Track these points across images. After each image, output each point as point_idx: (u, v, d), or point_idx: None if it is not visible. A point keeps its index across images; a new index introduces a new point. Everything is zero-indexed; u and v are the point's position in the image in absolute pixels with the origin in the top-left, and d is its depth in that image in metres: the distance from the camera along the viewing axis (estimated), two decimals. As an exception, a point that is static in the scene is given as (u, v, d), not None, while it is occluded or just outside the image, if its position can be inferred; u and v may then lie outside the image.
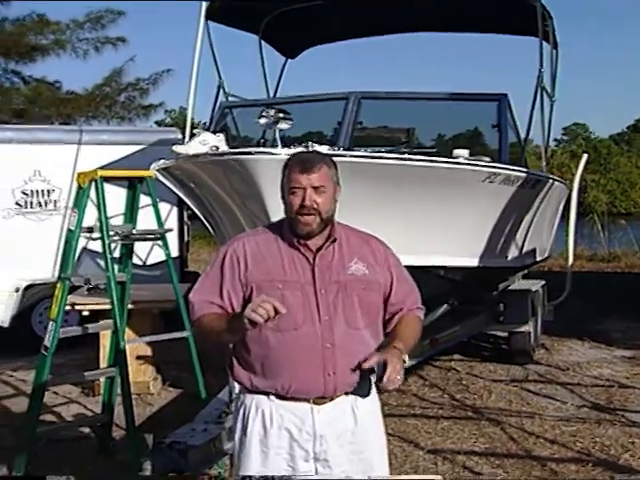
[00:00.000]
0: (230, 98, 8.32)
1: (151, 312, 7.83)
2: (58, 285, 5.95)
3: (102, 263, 8.66)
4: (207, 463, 4.94)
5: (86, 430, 6.55)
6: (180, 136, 10.89)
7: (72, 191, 10.08)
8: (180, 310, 6.05)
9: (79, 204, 5.85)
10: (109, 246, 5.74)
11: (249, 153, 5.56)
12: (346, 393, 3.03)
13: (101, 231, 5.72)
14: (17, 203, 10.19)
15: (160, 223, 6.13)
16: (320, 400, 2.99)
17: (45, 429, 6.22)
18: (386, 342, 3.07)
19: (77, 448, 6.25)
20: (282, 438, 3.00)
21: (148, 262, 9.91)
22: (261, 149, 5.60)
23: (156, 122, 23.14)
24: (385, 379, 2.82)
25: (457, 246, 6.71)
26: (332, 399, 3.01)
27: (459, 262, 6.80)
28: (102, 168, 9.35)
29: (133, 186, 6.08)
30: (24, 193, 10.23)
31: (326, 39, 9.97)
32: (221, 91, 8.27)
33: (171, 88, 20.11)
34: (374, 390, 3.15)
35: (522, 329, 8.70)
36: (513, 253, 7.71)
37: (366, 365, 2.89)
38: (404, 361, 2.97)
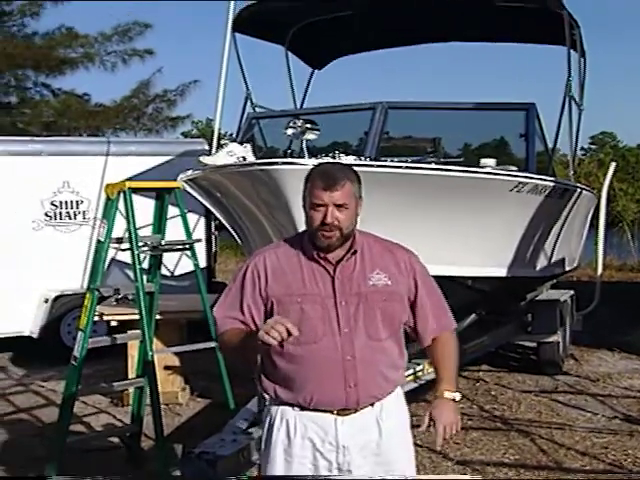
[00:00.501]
0: (257, 109, 8.36)
1: (179, 322, 7.87)
2: (87, 295, 6.00)
3: (130, 274, 8.80)
4: (235, 474, 4.93)
5: (115, 440, 6.60)
6: (207, 147, 10.98)
7: (100, 202, 10.22)
8: (208, 320, 6.07)
9: (108, 215, 5.90)
10: (138, 257, 5.79)
11: (276, 163, 5.57)
12: (371, 404, 3.04)
13: (130, 242, 5.77)
14: (46, 214, 10.30)
15: (188, 234, 6.18)
16: (344, 411, 3.00)
17: (75, 439, 6.27)
18: (435, 378, 3.20)
19: (106, 458, 6.27)
20: (305, 448, 3.03)
21: (176, 272, 9.98)
22: (288, 159, 5.60)
23: (183, 133, 23.32)
24: (439, 440, 3.03)
25: (485, 256, 6.68)
26: (356, 410, 3.02)
27: (487, 272, 6.77)
28: (130, 179, 9.51)
29: (161, 197, 6.14)
30: (53, 204, 10.34)
31: (353, 50, 9.99)
32: (248, 102, 8.29)
33: (198, 99, 20.28)
34: (402, 402, 3.19)
35: (551, 339, 8.62)
36: (541, 263, 7.66)
37: (420, 429, 3.08)
38: (454, 400, 3.12)
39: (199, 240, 6.66)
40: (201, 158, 6.19)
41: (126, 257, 6.75)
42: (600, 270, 9.65)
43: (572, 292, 9.72)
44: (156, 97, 19.68)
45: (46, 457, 6.01)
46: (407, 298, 3.09)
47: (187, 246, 6.19)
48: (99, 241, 5.94)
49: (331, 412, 3.01)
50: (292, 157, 5.90)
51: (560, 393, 8.12)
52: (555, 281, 9.56)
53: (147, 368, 5.84)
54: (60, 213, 10.38)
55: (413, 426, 3.27)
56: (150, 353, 5.77)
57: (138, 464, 6.16)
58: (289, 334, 2.66)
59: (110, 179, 9.98)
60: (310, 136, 5.72)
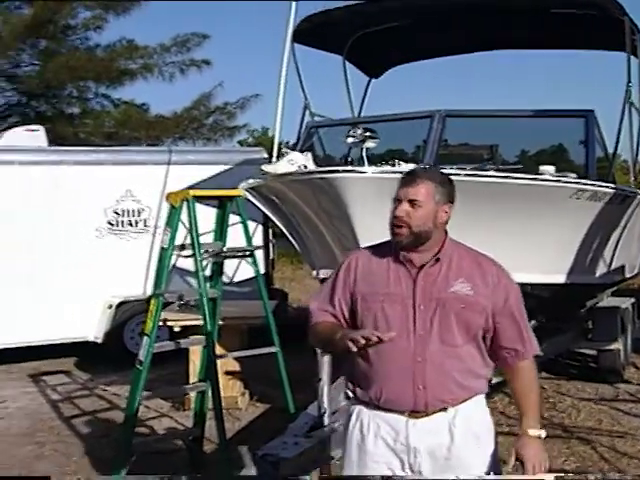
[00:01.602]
0: (316, 118, 8.45)
1: (240, 328, 7.97)
2: (152, 301, 6.13)
3: (191, 280, 8.98)
4: (299, 475, 5.01)
5: (178, 443, 6.72)
6: (265, 155, 11.14)
7: (162, 210, 10.45)
8: (270, 326, 6.17)
9: (171, 223, 6.02)
10: (201, 263, 5.90)
11: (336, 172, 5.65)
12: (444, 409, 3.05)
13: (193, 249, 5.89)
14: (109, 222, 10.56)
15: (249, 241, 6.29)
16: (415, 414, 3.03)
17: (139, 441, 6.41)
18: (519, 411, 3.17)
19: (169, 461, 6.39)
20: (378, 446, 3.08)
21: (235, 279, 10.12)
22: (348, 168, 5.69)
23: (239, 142, 23.55)
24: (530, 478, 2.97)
25: (544, 263, 6.67)
26: (427, 414, 3.04)
27: (546, 279, 6.75)
28: (190, 188, 9.68)
29: (223, 205, 6.25)
30: (116, 213, 10.59)
31: (409, 58, 10.03)
32: (307, 111, 8.40)
33: (256, 108, 20.55)
34: (482, 410, 3.18)
35: (611, 347, 8.55)
36: (601, 270, 7.60)
37: (507, 468, 3.04)
38: (540, 437, 3.07)
39: (260, 247, 6.75)
40: (263, 167, 6.31)
41: (186, 264, 6.92)
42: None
43: (633, 299, 9.62)
44: (216, 109, 19.97)
45: (112, 458, 6.19)
46: (489, 311, 3.07)
47: (248, 253, 6.30)
48: (163, 248, 6.06)
49: (402, 413, 3.04)
50: (351, 165, 5.99)
51: (621, 401, 8.03)
52: (615, 288, 9.47)
53: (210, 372, 5.95)
54: (122, 221, 10.63)
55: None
56: (213, 358, 5.87)
57: (200, 467, 6.25)
58: (380, 340, 2.78)
59: (171, 188, 10.20)
60: (370, 144, 5.81)
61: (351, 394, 3.22)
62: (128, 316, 10.54)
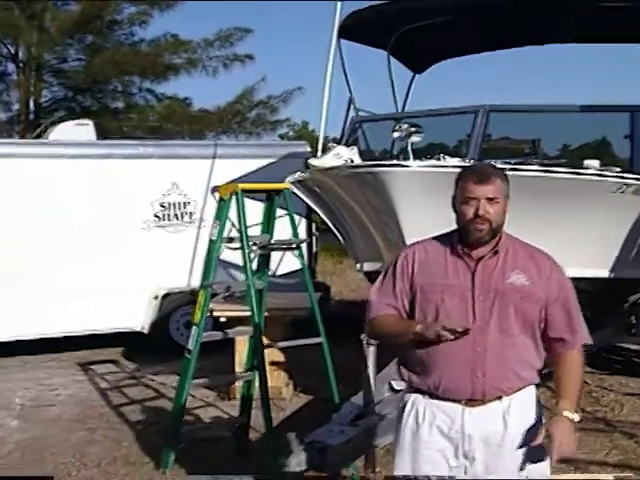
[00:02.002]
0: (360, 113, 8.52)
1: (283, 319, 8.08)
2: (201, 292, 6.28)
3: (233, 272, 9.12)
4: (343, 463, 5.10)
5: (224, 431, 6.85)
6: (309, 149, 11.25)
7: (207, 204, 10.63)
8: (315, 317, 6.27)
9: (220, 216, 6.16)
10: (249, 255, 6.02)
11: (382, 165, 5.74)
12: (499, 398, 3.14)
13: (241, 241, 6.00)
14: (156, 215, 10.73)
15: (296, 234, 6.38)
16: (471, 402, 3.12)
17: (187, 429, 6.56)
18: (557, 393, 3.20)
19: (216, 448, 6.52)
20: (432, 434, 3.17)
21: (279, 271, 10.24)
22: (394, 162, 5.77)
23: (279, 135, 23.70)
24: (554, 456, 3.00)
25: (588, 257, 6.68)
26: (484, 402, 3.13)
27: (590, 273, 6.76)
28: (235, 181, 9.84)
29: (271, 198, 6.36)
30: (162, 206, 10.76)
31: (453, 54, 10.03)
32: (351, 106, 8.46)
33: (298, 101, 20.65)
34: (533, 400, 3.25)
35: (656, 342, 8.53)
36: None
37: (535, 443, 3.04)
38: (573, 420, 3.10)
39: (307, 240, 6.85)
40: (310, 160, 6.43)
41: (229, 256, 7.04)
42: None
43: (677, 294, 9.53)
44: (259, 103, 20.11)
45: (161, 445, 6.36)
46: (543, 302, 3.17)
47: (295, 245, 6.40)
48: (211, 240, 6.20)
49: (459, 402, 3.13)
50: (397, 159, 6.07)
51: (665, 397, 8.01)
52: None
53: (257, 362, 6.07)
54: (168, 214, 10.80)
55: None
56: (261, 348, 5.99)
57: (246, 454, 6.39)
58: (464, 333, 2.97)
59: (216, 181, 10.37)
60: (415, 139, 5.90)
61: (406, 383, 3.30)
62: (173, 307, 10.74)
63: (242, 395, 6.68)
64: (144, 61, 19.08)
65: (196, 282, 10.34)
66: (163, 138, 17.55)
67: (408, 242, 5.58)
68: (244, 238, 5.99)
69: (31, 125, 19.86)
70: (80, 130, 11.00)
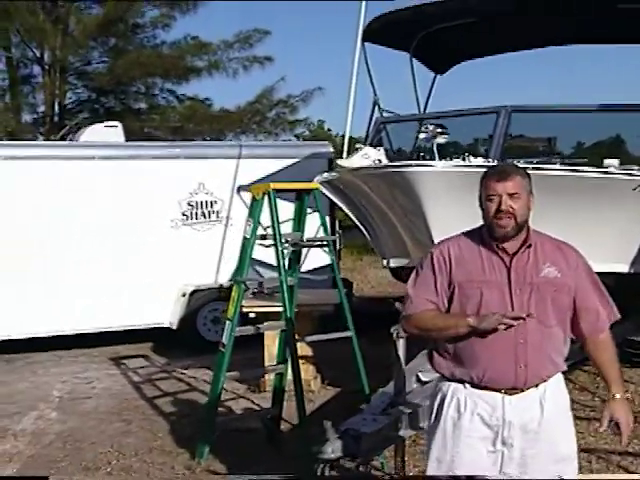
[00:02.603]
0: (384, 114, 8.67)
1: (312, 315, 8.24)
2: (234, 288, 6.44)
3: (259, 269, 9.31)
4: (375, 450, 5.27)
5: (256, 422, 6.99)
6: (331, 149, 11.44)
7: (233, 202, 10.83)
8: (345, 312, 6.44)
9: (254, 214, 6.32)
10: (282, 253, 6.18)
11: (410, 166, 5.90)
12: (536, 386, 3.28)
13: (274, 239, 6.17)
14: (183, 214, 10.94)
15: (326, 231, 6.56)
16: (511, 391, 3.26)
17: (221, 420, 6.74)
18: (604, 380, 3.48)
19: (249, 438, 6.69)
20: (474, 422, 3.31)
21: (305, 268, 10.41)
22: (421, 162, 5.93)
23: (295, 135, 23.84)
24: (624, 438, 3.37)
25: (609, 252, 6.80)
26: (522, 390, 3.27)
27: (610, 268, 6.88)
28: (259, 181, 10.06)
29: (301, 197, 6.53)
30: (189, 205, 10.97)
31: (475, 55, 10.17)
32: (376, 107, 8.62)
33: (317, 101, 20.82)
34: (562, 386, 3.43)
35: (674, 336, 8.62)
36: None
37: (601, 429, 3.42)
38: (628, 399, 3.39)
39: (337, 237, 7.00)
40: (338, 161, 6.59)
41: (255, 253, 7.17)
42: None
43: (694, 290, 9.62)
44: (279, 102, 20.28)
45: (195, 436, 6.54)
46: (574, 291, 3.32)
47: (326, 243, 6.56)
48: (245, 238, 6.36)
49: (499, 390, 3.26)
50: (422, 159, 6.23)
51: (683, 389, 8.11)
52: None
53: (290, 354, 6.23)
54: (196, 213, 11.00)
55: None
56: (294, 341, 6.16)
57: (277, 444, 6.56)
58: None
59: (241, 181, 10.61)
60: (440, 140, 6.05)
61: (444, 375, 3.41)
62: (201, 303, 10.93)
63: (274, 387, 6.83)
64: (167, 63, 19.30)
65: (223, 279, 10.68)
66: (187, 139, 17.89)
67: (435, 239, 5.76)
68: (277, 236, 6.14)
69: (56, 127, 20.14)
70: (109, 132, 11.23)
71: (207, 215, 11.04)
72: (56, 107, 20.55)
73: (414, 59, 9.33)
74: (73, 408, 8.09)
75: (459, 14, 8.52)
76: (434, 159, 6.02)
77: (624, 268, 7.10)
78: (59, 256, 10.14)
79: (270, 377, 8.16)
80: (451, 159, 6.11)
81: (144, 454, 6.54)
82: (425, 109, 9.56)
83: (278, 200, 6.44)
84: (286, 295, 6.20)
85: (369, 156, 6.38)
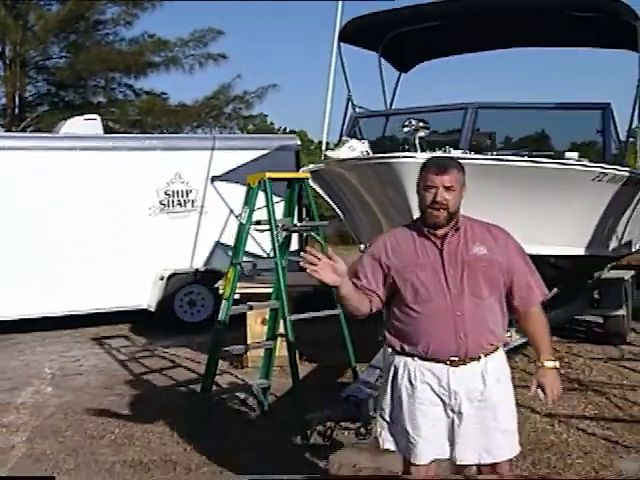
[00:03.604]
0: (357, 109, 8.94)
1: (291, 295, 8.44)
2: (230, 269, 6.62)
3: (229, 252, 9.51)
4: (370, 415, 5.55)
5: (246, 393, 7.20)
6: (299, 142, 11.72)
7: (207, 192, 11.03)
8: (333, 293, 6.64)
9: (249, 202, 6.49)
10: (277, 237, 6.39)
11: (397, 157, 6.16)
12: (477, 359, 3.43)
13: (269, 224, 6.36)
14: (161, 202, 11.12)
15: (315, 218, 6.78)
16: (455, 362, 3.41)
17: (215, 390, 6.91)
18: (535, 349, 3.60)
19: (240, 411, 6.95)
20: (425, 391, 3.45)
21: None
22: (405, 154, 6.20)
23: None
24: (550, 401, 3.49)
25: (567, 237, 7.21)
26: (465, 363, 3.42)
27: (568, 251, 7.30)
28: (233, 170, 10.28)
29: (292, 186, 6.75)
30: (166, 194, 11.15)
31: (437, 55, 10.54)
32: (349, 103, 8.89)
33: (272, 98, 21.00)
34: (503, 359, 3.57)
35: (618, 313, 9.09)
36: (614, 244, 8.15)
37: (529, 394, 3.53)
38: (555, 367, 3.53)
39: (326, 224, 7.21)
40: (327, 152, 6.83)
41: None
42: (655, 252, 10.06)
43: (633, 272, 10.13)
44: (236, 97, 20.43)
45: (188, 406, 6.84)
46: (504, 267, 3.46)
47: (316, 228, 6.79)
48: (241, 224, 6.55)
49: (444, 362, 3.41)
50: (406, 151, 6.50)
51: (627, 360, 8.58)
52: (615, 263, 9.97)
53: (286, 329, 6.41)
54: (172, 201, 11.20)
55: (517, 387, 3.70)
56: (288, 318, 6.36)
57: (267, 414, 6.79)
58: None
59: (215, 171, 10.82)
60: (422, 133, 6.34)
61: (396, 348, 3.53)
62: (178, 287, 11.13)
63: (265, 361, 7.02)
64: (128, 59, 19.31)
65: (198, 263, 10.90)
66: (146, 132, 17.89)
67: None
68: (272, 221, 6.34)
69: (16, 119, 19.95)
70: (89, 124, 11.30)
71: (183, 203, 11.22)
72: (16, 100, 20.31)
73: (382, 59, 9.63)
74: (66, 383, 8.19)
75: (423, 18, 8.85)
76: (416, 151, 6.28)
77: (580, 251, 7.52)
78: (45, 243, 10.26)
79: (252, 354, 8.41)
80: (433, 151, 6.39)
81: (144, 424, 6.63)
82: (391, 105, 9.87)
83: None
84: (281, 275, 6.40)
85: (354, 148, 6.64)
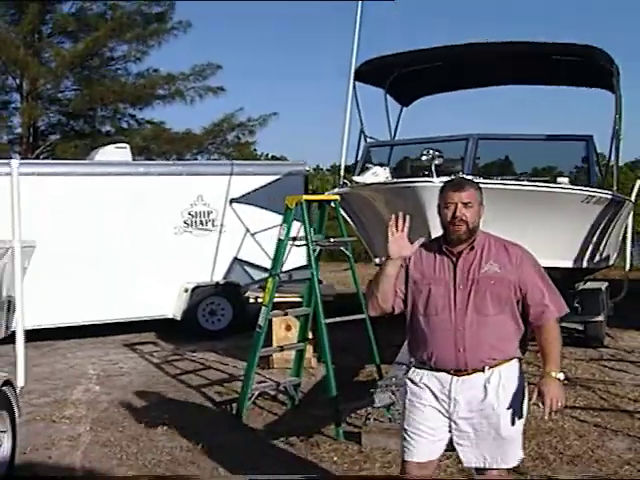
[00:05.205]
0: (368, 140, 9.46)
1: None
2: (269, 280, 7.01)
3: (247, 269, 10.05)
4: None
5: (279, 390, 7.56)
6: (307, 168, 12.25)
7: (226, 212, 11.50)
8: (360, 299, 7.08)
9: (287, 220, 6.89)
10: (313, 251, 6.80)
11: (417, 182, 6.66)
12: (482, 370, 3.42)
13: (306, 239, 6.75)
14: (185, 222, 11.57)
15: (343, 235, 7.20)
16: (459, 372, 3.44)
17: (254, 386, 7.23)
18: (542, 360, 3.45)
19: (273, 405, 7.34)
20: (427, 393, 3.52)
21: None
22: (426, 179, 6.68)
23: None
24: (547, 410, 3.30)
25: (559, 251, 7.70)
26: (469, 373, 3.43)
27: (560, 263, 7.79)
28: (249, 194, 10.77)
29: (322, 206, 7.19)
30: (190, 214, 11.60)
31: (435, 91, 11.16)
32: (362, 135, 9.41)
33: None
34: (514, 370, 3.48)
35: (597, 319, 9.60)
36: (596, 257, 8.68)
37: (531, 402, 3.40)
38: (559, 379, 3.37)
39: (354, 239, 7.60)
40: (354, 177, 7.32)
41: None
42: (628, 266, 10.63)
43: (607, 283, 10.61)
44: (240, 124, 20.91)
45: (224, 402, 7.36)
46: (517, 284, 3.41)
47: (346, 244, 7.21)
48: (280, 239, 6.96)
49: (449, 372, 3.44)
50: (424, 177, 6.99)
51: (606, 360, 9.14)
52: (592, 275, 10.48)
53: (319, 334, 6.78)
54: (195, 221, 11.64)
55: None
56: (322, 322, 6.67)
57: (300, 408, 7.16)
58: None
59: (233, 194, 11.32)
60: (437, 161, 6.84)
61: (412, 356, 3.64)
62: (201, 298, 11.55)
63: (295, 362, 7.43)
64: (139, 92, 19.75)
65: (218, 277, 11.36)
66: (152, 158, 18.31)
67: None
68: (309, 237, 6.77)
69: (30, 147, 20.26)
70: (119, 152, 11.75)
71: (205, 223, 11.66)
72: (31, 129, 20.61)
73: (387, 95, 10.18)
74: (112, 383, 8.52)
75: (427, 60, 9.43)
76: (433, 176, 6.76)
77: (568, 264, 8.05)
78: (82, 259, 10.65)
79: (276, 356, 8.81)
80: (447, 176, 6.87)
81: (189, 415, 7.06)
82: (394, 136, 10.41)
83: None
84: (316, 285, 6.82)
85: (378, 174, 7.14)
